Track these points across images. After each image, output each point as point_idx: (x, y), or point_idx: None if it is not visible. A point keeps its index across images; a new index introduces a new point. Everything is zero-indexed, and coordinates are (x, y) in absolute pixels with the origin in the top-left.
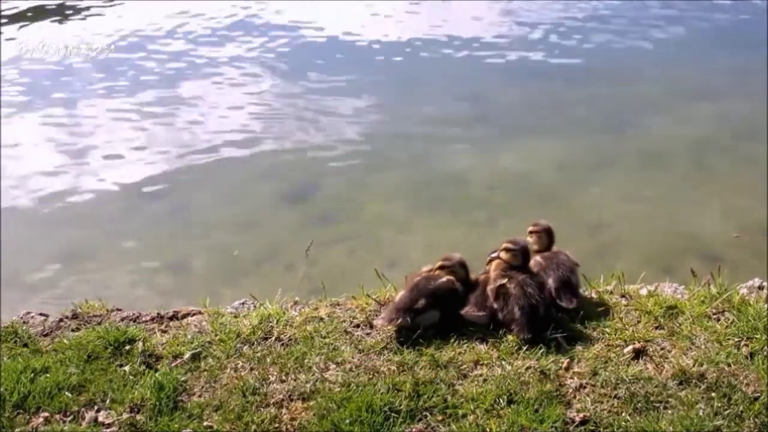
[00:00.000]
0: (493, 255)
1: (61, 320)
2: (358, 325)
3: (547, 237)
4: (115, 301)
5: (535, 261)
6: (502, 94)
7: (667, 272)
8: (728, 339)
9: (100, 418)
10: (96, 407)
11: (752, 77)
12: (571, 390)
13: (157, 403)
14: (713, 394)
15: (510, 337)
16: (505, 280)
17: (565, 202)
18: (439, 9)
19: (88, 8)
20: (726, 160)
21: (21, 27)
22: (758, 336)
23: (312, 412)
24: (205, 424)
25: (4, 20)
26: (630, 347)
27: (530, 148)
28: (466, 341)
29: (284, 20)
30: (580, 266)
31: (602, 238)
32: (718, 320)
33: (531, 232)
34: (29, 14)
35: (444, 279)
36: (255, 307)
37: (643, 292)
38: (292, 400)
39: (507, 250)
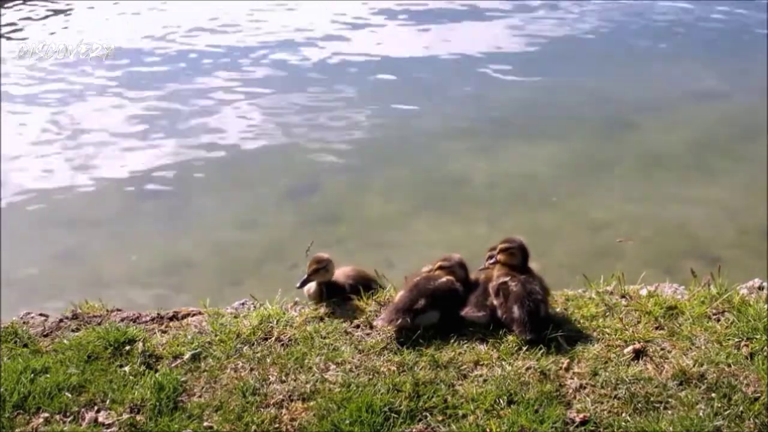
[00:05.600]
0: (490, 262)
1: (61, 320)
2: (358, 326)
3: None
4: (115, 301)
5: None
6: (502, 94)
7: (667, 273)
8: (728, 339)
9: (100, 419)
10: (96, 407)
11: (752, 77)
12: (571, 390)
13: (157, 404)
14: (713, 395)
15: (510, 338)
16: (507, 278)
17: (565, 202)
18: (438, 8)
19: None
20: (726, 160)
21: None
22: (758, 336)
23: (312, 413)
24: (205, 424)
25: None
26: (630, 347)
27: (530, 148)
28: (466, 341)
29: (285, 20)
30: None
31: (602, 238)
32: (718, 321)
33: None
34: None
35: (444, 279)
36: (255, 307)
37: (643, 292)
38: (292, 401)
39: (503, 250)
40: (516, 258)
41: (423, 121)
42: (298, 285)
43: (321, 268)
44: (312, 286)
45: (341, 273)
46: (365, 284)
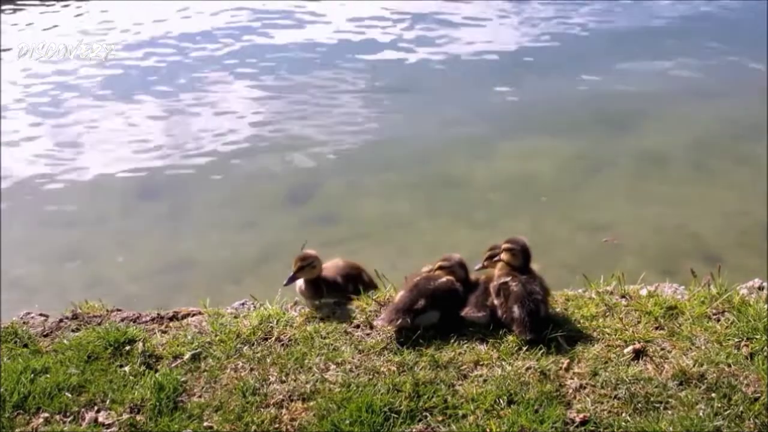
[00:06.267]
0: (485, 263)
1: (61, 320)
2: (358, 326)
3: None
4: (115, 302)
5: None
6: (502, 94)
7: (667, 273)
8: (728, 339)
9: (100, 419)
10: (96, 408)
11: (752, 77)
12: (571, 390)
13: (157, 404)
14: (713, 395)
15: (510, 338)
16: (508, 278)
17: (565, 203)
18: (439, 7)
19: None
20: (726, 160)
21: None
22: (758, 336)
23: (312, 413)
24: (205, 424)
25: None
26: (630, 348)
27: (531, 148)
28: (466, 341)
29: (284, 21)
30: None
31: (602, 238)
32: (718, 321)
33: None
34: None
35: (444, 279)
36: (255, 307)
37: (643, 292)
38: (292, 401)
39: (507, 250)
40: (518, 259)
41: (423, 120)
42: (285, 283)
43: (306, 265)
44: (301, 283)
45: (332, 266)
46: (356, 276)
